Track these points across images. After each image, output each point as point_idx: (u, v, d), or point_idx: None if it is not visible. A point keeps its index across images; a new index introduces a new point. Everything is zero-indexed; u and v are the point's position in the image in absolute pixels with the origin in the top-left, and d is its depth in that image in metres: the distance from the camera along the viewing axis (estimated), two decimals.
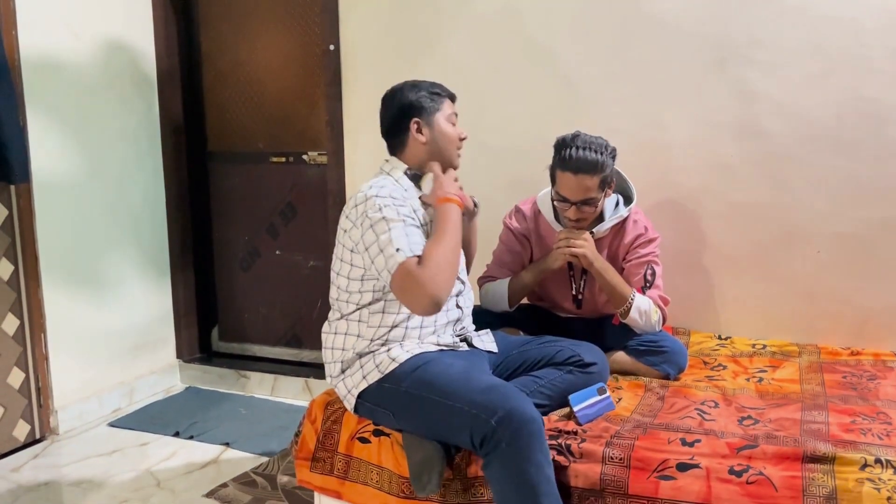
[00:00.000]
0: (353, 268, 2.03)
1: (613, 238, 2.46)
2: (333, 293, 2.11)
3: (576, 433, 1.92)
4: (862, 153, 2.55)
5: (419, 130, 2.11)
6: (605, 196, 2.33)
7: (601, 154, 2.24)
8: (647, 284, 2.39)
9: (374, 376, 2.00)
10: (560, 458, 1.86)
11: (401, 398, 1.96)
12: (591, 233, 2.40)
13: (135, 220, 3.53)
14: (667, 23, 2.72)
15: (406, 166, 2.13)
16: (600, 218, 2.43)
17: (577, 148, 2.23)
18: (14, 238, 2.99)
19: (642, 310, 2.35)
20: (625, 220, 2.44)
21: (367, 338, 2.03)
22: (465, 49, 3.03)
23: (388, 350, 2.01)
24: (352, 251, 2.02)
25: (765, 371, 2.40)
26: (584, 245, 2.33)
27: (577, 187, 2.26)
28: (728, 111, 2.69)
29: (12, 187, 2.96)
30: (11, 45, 2.89)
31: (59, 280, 3.15)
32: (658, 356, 2.36)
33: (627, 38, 2.78)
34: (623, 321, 2.37)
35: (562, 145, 2.28)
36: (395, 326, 2.03)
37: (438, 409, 1.88)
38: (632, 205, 2.44)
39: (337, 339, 2.09)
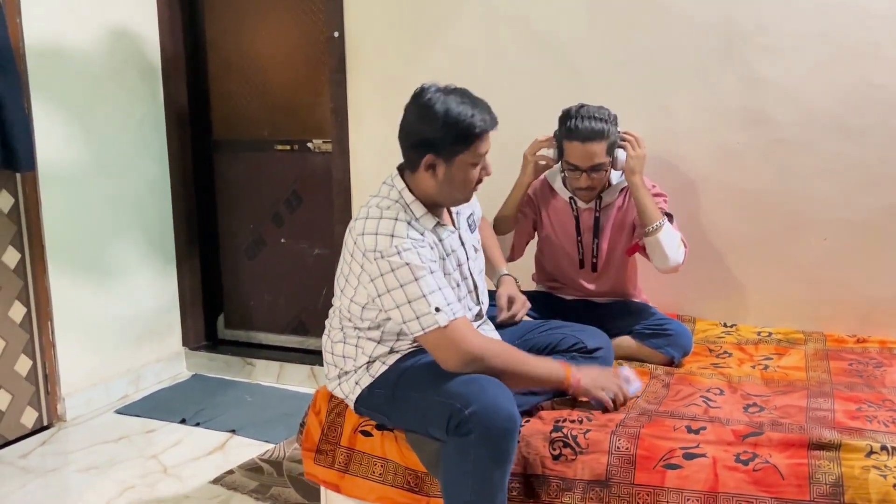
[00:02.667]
0: (357, 294, 1.92)
1: (622, 202, 2.52)
2: (337, 303, 2.04)
3: (581, 421, 1.92)
4: (869, 140, 2.54)
5: (430, 168, 1.89)
6: (611, 161, 2.39)
7: (606, 122, 2.33)
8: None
9: (366, 381, 1.99)
10: (566, 451, 1.86)
11: (391, 401, 1.93)
12: (600, 198, 2.49)
13: (140, 209, 3.53)
14: (673, 9, 2.70)
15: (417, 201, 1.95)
16: (608, 185, 2.51)
17: (583, 118, 2.32)
18: (20, 226, 3.00)
19: (672, 234, 2.36)
20: None
21: (366, 353, 1.99)
22: (471, 35, 3.01)
23: (382, 358, 1.99)
24: (358, 279, 1.90)
25: (770, 358, 2.40)
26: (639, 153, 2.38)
27: (585, 155, 2.34)
28: (734, 98, 2.67)
29: (18, 176, 2.96)
30: (16, 32, 2.89)
31: (65, 268, 3.16)
32: (662, 339, 2.37)
33: (634, 25, 2.76)
34: (648, 242, 2.37)
35: (567, 116, 2.36)
36: (392, 352, 1.98)
37: (422, 404, 1.85)
38: None
39: (336, 347, 2.06)
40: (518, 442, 1.82)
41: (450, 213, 2.06)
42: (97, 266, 3.33)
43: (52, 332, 3.12)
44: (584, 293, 2.59)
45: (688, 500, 1.74)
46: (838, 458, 1.71)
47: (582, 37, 2.84)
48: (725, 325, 2.72)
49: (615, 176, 2.51)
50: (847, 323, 2.63)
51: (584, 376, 1.96)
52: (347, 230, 1.95)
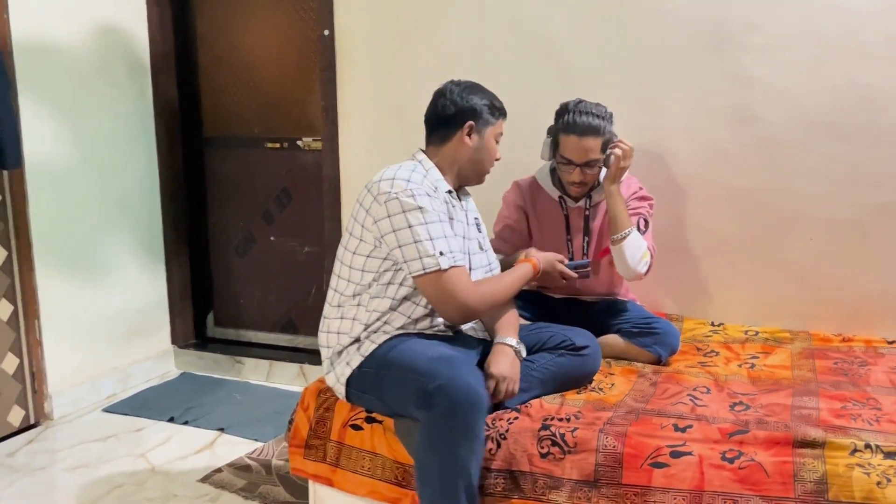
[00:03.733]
0: (362, 243, 2.01)
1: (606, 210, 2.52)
2: (335, 278, 2.09)
3: (569, 419, 1.92)
4: (857, 139, 2.55)
5: (469, 134, 2.09)
6: (604, 159, 2.41)
7: (603, 119, 2.37)
8: (641, 233, 2.44)
9: (356, 361, 2.01)
10: (554, 450, 1.86)
11: (376, 380, 1.97)
12: (590, 196, 2.49)
13: (129, 206, 3.52)
14: (664, 6, 2.71)
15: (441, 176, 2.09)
16: (598, 184, 2.52)
17: (580, 113, 2.36)
18: (7, 223, 2.98)
19: (637, 245, 2.38)
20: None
21: (363, 322, 2.02)
22: (461, 33, 3.01)
23: (373, 336, 2.02)
24: (363, 227, 2.00)
25: (757, 357, 2.41)
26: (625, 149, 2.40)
27: (581, 149, 2.36)
28: (724, 96, 2.68)
29: (5, 173, 2.95)
30: (4, 29, 2.88)
31: (52, 265, 3.15)
32: (650, 337, 2.38)
33: (624, 22, 2.77)
34: (614, 249, 2.41)
35: (564, 110, 2.40)
36: (391, 311, 2.02)
37: (400, 382, 1.90)
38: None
39: (332, 325, 2.08)
40: (485, 425, 1.86)
41: (460, 199, 2.16)
42: (85, 263, 3.32)
43: (40, 330, 3.10)
44: (572, 292, 2.59)
45: (674, 499, 1.75)
46: (823, 455, 1.72)
47: (572, 34, 2.84)
48: (713, 324, 2.73)
49: (604, 175, 2.51)
50: (833, 322, 2.65)
51: (541, 261, 2.20)
52: (359, 199, 2.04)
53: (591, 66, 2.83)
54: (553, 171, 2.54)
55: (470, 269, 2.08)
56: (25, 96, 2.99)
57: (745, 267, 2.74)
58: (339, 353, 2.06)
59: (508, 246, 2.54)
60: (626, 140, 2.40)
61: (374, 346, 2.00)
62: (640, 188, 2.54)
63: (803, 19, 2.56)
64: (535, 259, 2.19)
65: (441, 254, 1.91)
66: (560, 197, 2.53)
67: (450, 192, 2.08)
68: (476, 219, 2.23)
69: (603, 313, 2.49)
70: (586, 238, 2.53)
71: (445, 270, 1.91)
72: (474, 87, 2.14)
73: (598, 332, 2.37)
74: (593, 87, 2.79)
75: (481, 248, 2.19)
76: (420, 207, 1.92)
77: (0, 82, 2.79)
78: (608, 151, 2.39)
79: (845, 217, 2.60)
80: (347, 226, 2.07)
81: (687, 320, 2.76)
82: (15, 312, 3.03)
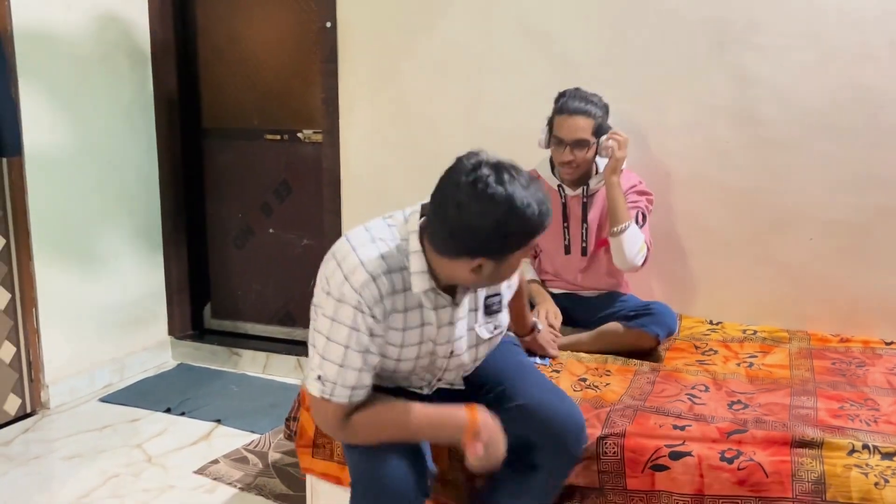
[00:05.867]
0: None
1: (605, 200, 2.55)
2: None
3: None
4: (857, 140, 2.55)
5: (477, 270, 1.54)
6: (597, 147, 2.47)
7: (595, 105, 2.47)
8: (638, 226, 2.48)
9: None
10: None
11: None
12: (587, 186, 2.54)
13: (127, 196, 3.51)
14: (666, 6, 2.70)
15: (426, 270, 1.60)
16: (595, 173, 2.57)
17: (574, 97, 2.47)
18: (6, 211, 2.97)
19: (634, 238, 2.43)
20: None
21: None
22: (464, 29, 3.01)
23: None
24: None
25: (755, 356, 2.41)
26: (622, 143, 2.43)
27: (571, 127, 2.44)
28: (724, 96, 2.68)
29: (4, 160, 2.94)
30: (4, 16, 2.86)
31: (50, 254, 3.14)
32: (646, 317, 2.41)
33: (626, 21, 2.76)
34: (612, 241, 2.45)
35: (561, 96, 2.51)
36: None
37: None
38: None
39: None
40: None
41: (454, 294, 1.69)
42: (83, 253, 3.31)
43: (37, 319, 3.09)
44: (572, 285, 2.63)
45: (677, 502, 1.77)
46: (821, 455, 1.73)
47: (575, 32, 2.84)
48: (711, 323, 2.73)
49: (602, 165, 2.55)
50: (832, 322, 2.65)
51: (486, 430, 1.63)
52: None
53: (592, 63, 2.82)
54: (552, 161, 2.58)
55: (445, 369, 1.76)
56: (26, 84, 2.97)
57: (745, 266, 2.75)
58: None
59: None
60: (622, 132, 2.44)
61: None
62: (640, 182, 2.57)
63: (805, 20, 2.56)
64: (477, 420, 1.63)
65: (319, 378, 1.61)
66: (559, 185, 2.56)
67: (431, 289, 1.62)
68: (493, 301, 1.78)
69: (602, 306, 2.54)
70: (585, 225, 2.56)
71: (316, 396, 1.63)
72: (510, 200, 1.46)
73: (598, 323, 2.45)
74: (595, 85, 2.79)
75: (478, 340, 1.77)
76: (333, 320, 1.58)
77: (1, 70, 2.77)
78: (603, 143, 2.45)
79: (845, 217, 2.60)
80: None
81: (685, 318, 2.76)
82: (12, 301, 3.02)
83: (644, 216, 2.51)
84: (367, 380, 1.62)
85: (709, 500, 1.74)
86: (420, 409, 1.65)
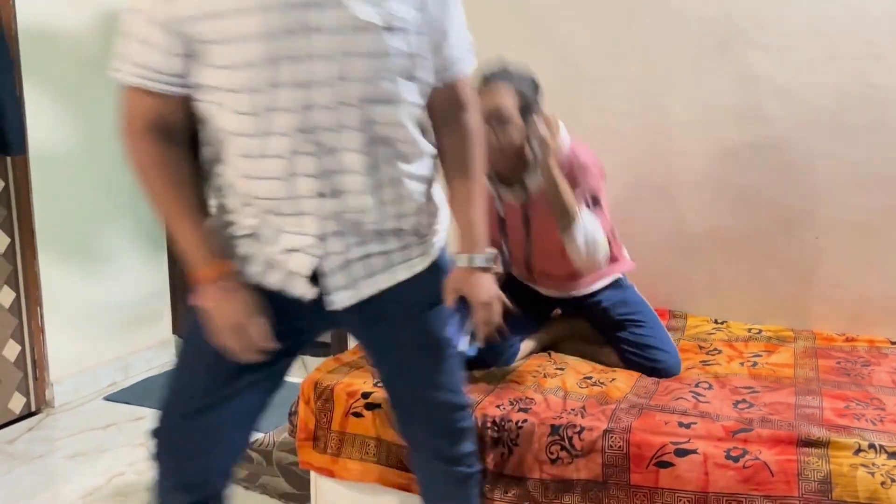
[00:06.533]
0: None
1: None
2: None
3: (574, 424, 1.91)
4: (863, 139, 2.55)
5: None
6: (524, 130, 2.11)
7: (521, 80, 2.14)
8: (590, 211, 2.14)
9: None
10: (563, 455, 1.87)
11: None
12: (524, 183, 2.19)
13: (132, 194, 3.50)
14: (671, 4, 2.70)
15: None
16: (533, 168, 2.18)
17: (496, 71, 2.14)
18: (10, 210, 2.97)
19: (588, 229, 2.09)
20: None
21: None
22: (467, 28, 2.99)
23: None
24: None
25: (760, 356, 2.40)
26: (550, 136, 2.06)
27: (489, 98, 2.07)
28: (730, 94, 2.67)
29: (9, 159, 2.94)
30: (9, 14, 2.86)
31: (55, 253, 3.14)
32: (647, 368, 2.22)
33: (631, 19, 2.76)
34: (564, 240, 2.11)
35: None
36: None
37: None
38: (561, 129, 2.20)
39: None
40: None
41: None
42: (88, 251, 3.31)
43: (42, 318, 3.10)
44: (560, 290, 2.40)
45: (681, 500, 1.76)
46: (827, 455, 1.72)
47: (579, 30, 2.83)
48: (716, 322, 2.72)
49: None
50: (837, 321, 2.64)
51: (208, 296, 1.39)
52: None
53: (596, 62, 2.81)
54: None
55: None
56: (30, 83, 2.97)
57: (750, 265, 2.74)
58: None
59: None
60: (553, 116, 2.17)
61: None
62: (584, 152, 2.19)
63: (811, 18, 2.55)
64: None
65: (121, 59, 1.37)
66: (497, 190, 2.24)
67: None
68: None
69: (601, 315, 2.34)
70: (527, 227, 2.24)
71: (123, 85, 1.40)
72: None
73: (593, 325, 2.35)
74: (599, 84, 2.80)
75: (355, 29, 1.26)
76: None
77: (5, 68, 2.78)
78: (532, 127, 2.09)
79: (851, 217, 2.59)
80: None
81: (690, 317, 2.76)
82: (17, 299, 3.02)
83: (595, 198, 2.15)
84: (161, 63, 1.35)
85: (713, 498, 1.73)
86: (186, 227, 1.42)
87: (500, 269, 1.85)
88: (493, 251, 1.56)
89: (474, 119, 1.55)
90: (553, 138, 2.10)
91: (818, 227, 2.64)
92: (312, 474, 2.21)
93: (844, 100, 2.54)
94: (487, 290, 1.52)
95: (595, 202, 2.16)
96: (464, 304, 1.54)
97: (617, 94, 2.77)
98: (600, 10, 2.79)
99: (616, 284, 2.40)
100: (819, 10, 2.54)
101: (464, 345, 1.66)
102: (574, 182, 2.13)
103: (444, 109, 1.50)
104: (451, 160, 1.53)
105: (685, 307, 2.82)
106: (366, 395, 2.08)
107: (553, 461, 1.87)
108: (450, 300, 1.52)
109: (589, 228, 2.10)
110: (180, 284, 3.74)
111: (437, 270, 1.54)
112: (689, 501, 1.75)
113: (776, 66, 2.61)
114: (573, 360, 2.32)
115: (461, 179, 1.52)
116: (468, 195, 1.52)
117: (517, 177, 2.21)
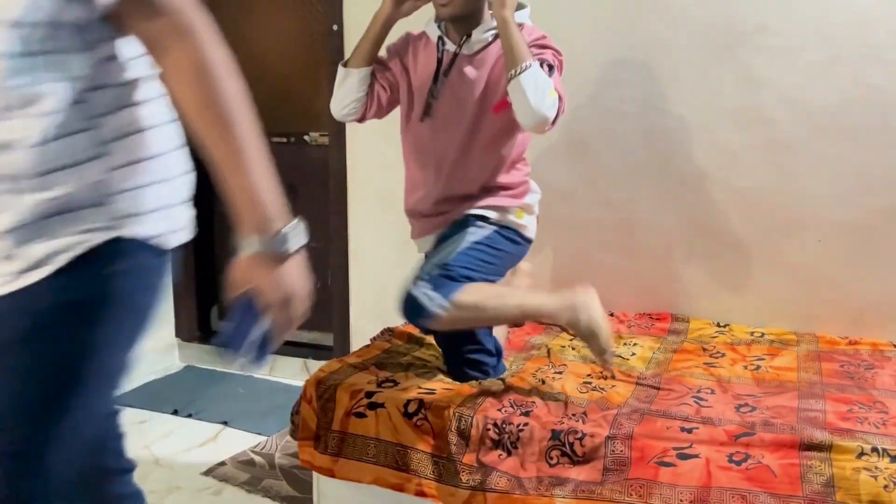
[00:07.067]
0: None
1: (500, 56, 2.08)
2: None
3: (576, 430, 1.90)
4: (866, 142, 2.54)
5: None
6: None
7: None
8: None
9: None
10: (563, 460, 1.86)
11: None
12: (469, 36, 2.11)
13: None
14: (673, 6, 2.70)
15: None
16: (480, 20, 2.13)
17: None
18: None
19: (539, 79, 1.93)
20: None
21: None
22: None
23: None
24: None
25: (763, 359, 2.40)
26: None
27: None
28: (732, 97, 2.67)
29: None
30: None
31: None
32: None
33: (634, 21, 2.76)
34: (511, 86, 1.95)
35: None
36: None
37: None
38: (526, 10, 2.14)
39: None
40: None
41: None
42: None
43: None
44: (430, 210, 2.22)
45: (681, 493, 1.74)
46: (830, 458, 1.72)
47: (581, 31, 2.83)
48: (718, 325, 2.72)
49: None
50: (840, 324, 2.64)
51: None
52: None
53: (599, 64, 2.82)
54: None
55: None
56: None
57: (752, 268, 2.74)
58: None
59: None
60: None
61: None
62: (544, 36, 2.13)
63: (814, 21, 2.55)
64: None
65: None
66: (440, 37, 2.16)
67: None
68: None
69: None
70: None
71: None
72: None
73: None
74: (601, 85, 2.80)
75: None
76: None
77: None
78: None
79: (853, 219, 2.59)
80: None
81: (693, 321, 2.76)
82: None
83: (551, 67, 2.03)
84: None
85: (716, 492, 1.71)
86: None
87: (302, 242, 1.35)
88: (293, 224, 1.23)
89: (198, 45, 1.12)
90: None
91: (821, 230, 2.63)
92: (315, 477, 2.21)
93: (846, 102, 2.54)
94: (283, 284, 1.18)
95: (551, 71, 2.02)
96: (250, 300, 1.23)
97: (620, 96, 2.77)
98: (603, 12, 2.79)
99: (483, 219, 2.16)
100: (821, 14, 2.54)
101: (249, 351, 1.30)
102: (535, 55, 2.01)
103: (145, 37, 1.11)
104: (182, 109, 1.17)
105: (687, 310, 2.82)
106: (369, 395, 2.08)
107: (552, 466, 1.86)
108: (233, 295, 1.21)
109: (539, 76, 1.95)
110: (183, 288, 3.75)
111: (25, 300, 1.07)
112: (690, 495, 1.72)
113: (779, 68, 2.61)
114: (571, 363, 2.32)
115: (208, 136, 1.16)
116: (228, 155, 1.15)
117: (467, 28, 2.12)
